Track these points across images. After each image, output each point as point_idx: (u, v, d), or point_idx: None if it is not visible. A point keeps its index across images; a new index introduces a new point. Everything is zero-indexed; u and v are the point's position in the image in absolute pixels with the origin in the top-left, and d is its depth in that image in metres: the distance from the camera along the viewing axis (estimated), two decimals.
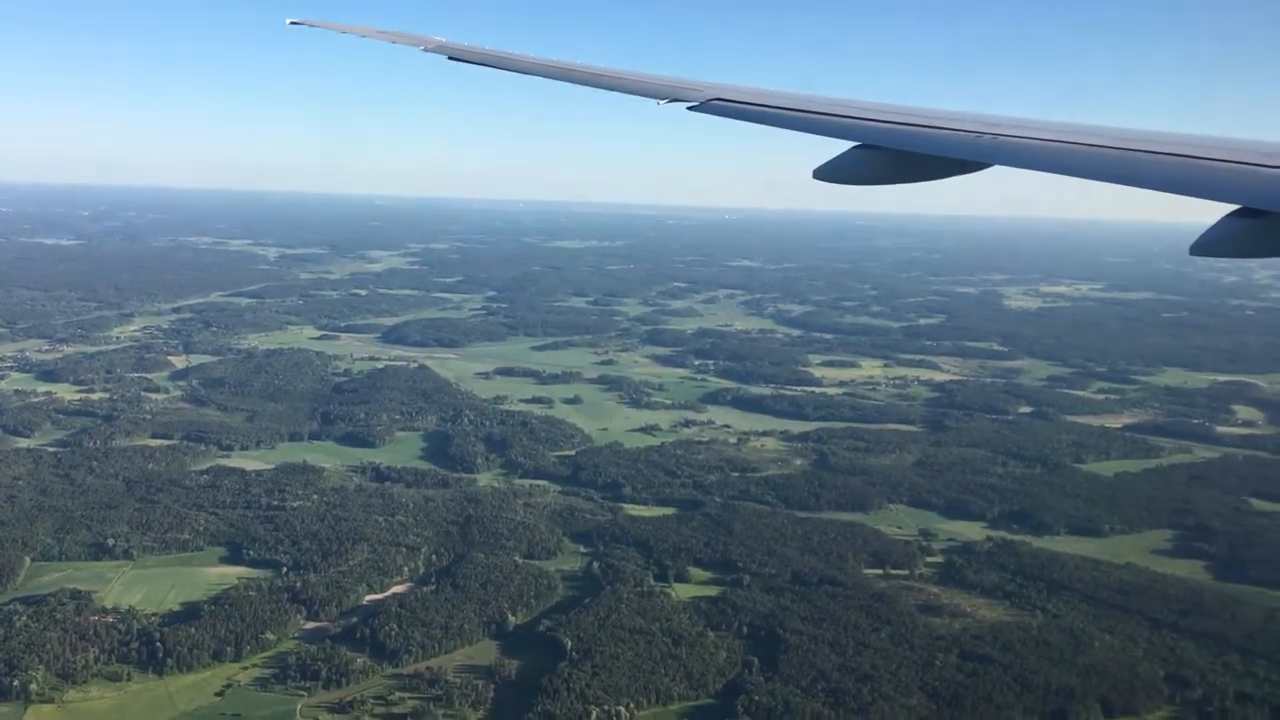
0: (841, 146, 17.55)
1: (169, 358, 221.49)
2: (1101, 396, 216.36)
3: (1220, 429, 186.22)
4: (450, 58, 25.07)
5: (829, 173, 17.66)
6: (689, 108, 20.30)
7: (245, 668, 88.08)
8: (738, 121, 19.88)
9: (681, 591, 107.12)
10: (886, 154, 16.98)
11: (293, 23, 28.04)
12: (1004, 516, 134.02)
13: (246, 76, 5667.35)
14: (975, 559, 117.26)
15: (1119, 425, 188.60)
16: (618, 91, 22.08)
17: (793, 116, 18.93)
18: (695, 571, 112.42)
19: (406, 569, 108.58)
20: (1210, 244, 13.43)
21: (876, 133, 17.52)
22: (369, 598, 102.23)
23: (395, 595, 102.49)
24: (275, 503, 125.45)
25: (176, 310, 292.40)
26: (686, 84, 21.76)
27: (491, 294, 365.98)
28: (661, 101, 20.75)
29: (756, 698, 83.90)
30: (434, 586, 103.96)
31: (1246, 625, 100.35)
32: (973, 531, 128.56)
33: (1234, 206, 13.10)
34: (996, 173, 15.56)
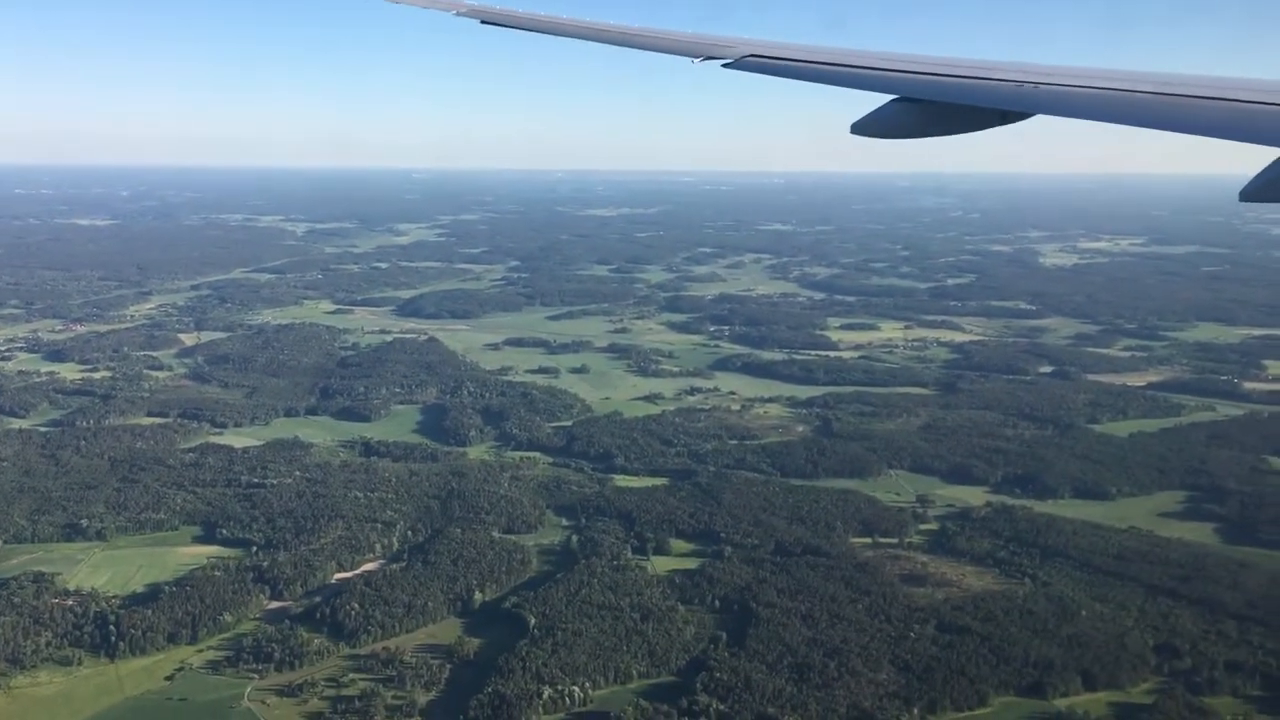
0: (882, 101, 17.40)
1: (179, 335, 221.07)
2: (1127, 354, 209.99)
3: (1248, 385, 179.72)
4: (483, 21, 25.67)
5: (867, 126, 17.53)
6: (723, 65, 20.34)
7: (200, 650, 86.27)
8: (782, 82, 19.75)
9: (660, 564, 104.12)
10: (925, 106, 16.76)
11: None
12: (1008, 481, 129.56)
13: (284, 52, 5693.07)
14: (970, 525, 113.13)
15: (1142, 383, 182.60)
16: (652, 50, 22.26)
17: (829, 71, 18.83)
18: (677, 543, 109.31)
19: (379, 546, 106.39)
20: (1260, 189, 13.01)
21: (915, 85, 17.36)
22: (338, 576, 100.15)
23: (365, 573, 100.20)
24: (256, 480, 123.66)
25: (195, 288, 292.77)
26: (721, 41, 21.87)
27: (515, 264, 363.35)
28: (697, 59, 20.79)
29: (718, 674, 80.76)
30: (404, 563, 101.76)
31: (1248, 591, 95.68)
32: (973, 497, 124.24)
33: None
34: (1043, 129, 15.27)
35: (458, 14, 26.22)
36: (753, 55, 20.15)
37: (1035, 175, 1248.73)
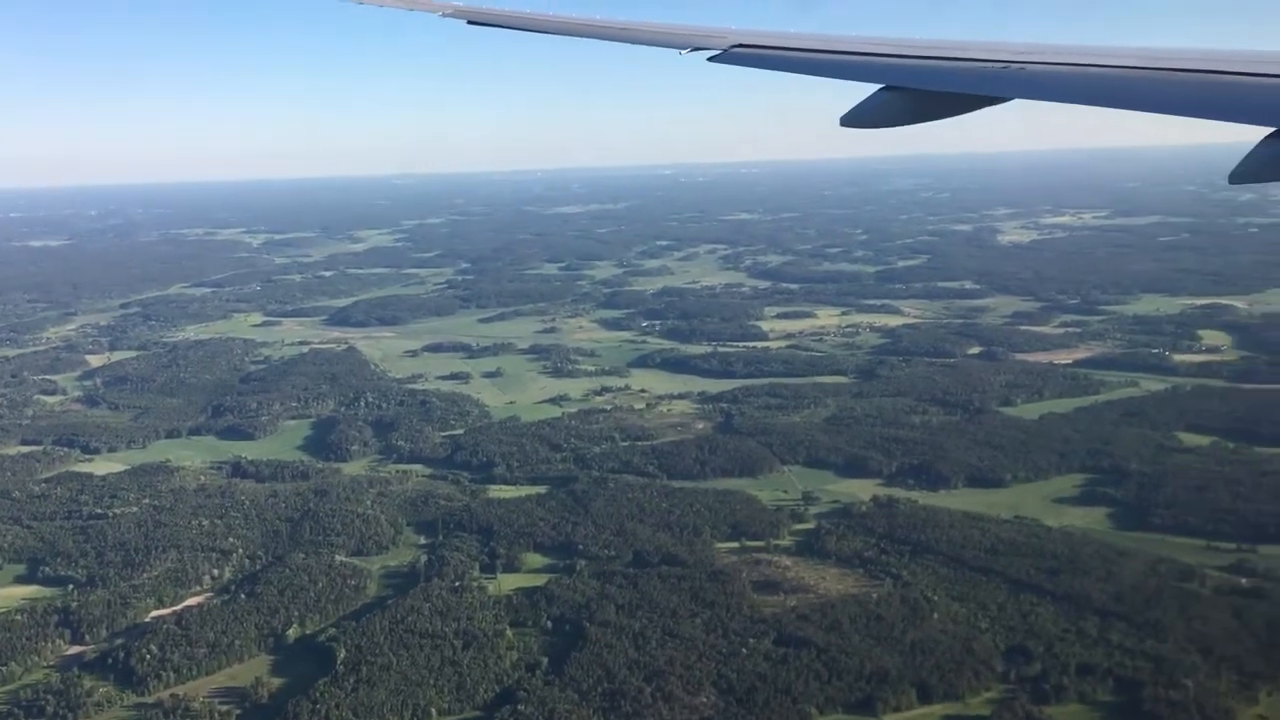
0: (870, 89, 17.35)
1: (87, 357, 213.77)
2: (1062, 331, 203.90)
3: (1179, 358, 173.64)
4: (470, 21, 25.30)
5: (856, 118, 17.36)
6: (710, 58, 19.92)
7: None
8: (765, 71, 19.45)
9: (506, 583, 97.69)
10: (912, 94, 16.67)
11: None
12: (902, 471, 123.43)
13: (261, 62, 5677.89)
14: (846, 523, 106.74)
15: (1069, 361, 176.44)
16: (639, 44, 21.73)
17: (817, 60, 18.71)
18: (532, 558, 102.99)
19: (209, 578, 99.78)
20: (1250, 171, 12.28)
21: (902, 71, 17.44)
22: (154, 614, 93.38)
23: (186, 609, 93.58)
24: (100, 510, 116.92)
25: (124, 306, 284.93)
26: (708, 32, 21.58)
27: (464, 266, 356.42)
28: (683, 51, 20.43)
29: (523, 708, 74.32)
30: (228, 597, 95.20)
31: (1121, 582, 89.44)
32: (863, 490, 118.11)
33: (1270, 129, 12.14)
34: (1033, 105, 15.16)
35: (443, 15, 25.79)
36: (740, 45, 19.80)
37: (1022, 152, 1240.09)
